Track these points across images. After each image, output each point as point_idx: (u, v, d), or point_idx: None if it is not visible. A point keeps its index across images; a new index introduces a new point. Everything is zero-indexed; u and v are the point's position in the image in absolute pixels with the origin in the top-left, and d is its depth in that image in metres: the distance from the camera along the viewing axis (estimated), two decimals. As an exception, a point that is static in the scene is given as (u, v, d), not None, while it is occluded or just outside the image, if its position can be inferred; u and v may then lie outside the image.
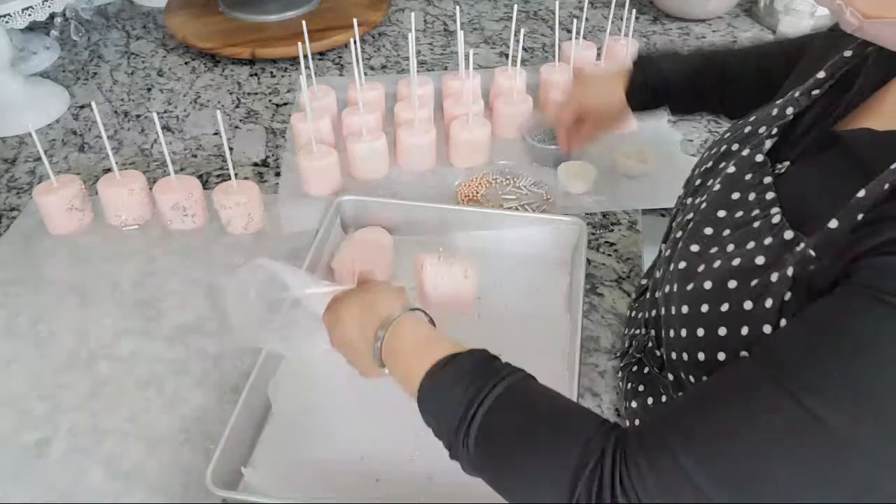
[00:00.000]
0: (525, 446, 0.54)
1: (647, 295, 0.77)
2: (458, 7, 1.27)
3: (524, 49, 1.46)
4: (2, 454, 0.80)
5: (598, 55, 1.32)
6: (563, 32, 1.51)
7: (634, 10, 1.32)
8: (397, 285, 0.73)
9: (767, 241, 0.56)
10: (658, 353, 0.71)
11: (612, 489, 0.49)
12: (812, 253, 0.51)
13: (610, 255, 1.01)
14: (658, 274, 0.68)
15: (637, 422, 0.75)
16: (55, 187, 1.03)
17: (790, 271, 0.52)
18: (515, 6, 1.27)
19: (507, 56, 1.39)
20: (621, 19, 1.32)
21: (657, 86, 0.93)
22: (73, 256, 1.03)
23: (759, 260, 0.55)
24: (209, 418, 0.82)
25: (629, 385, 0.78)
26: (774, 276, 0.53)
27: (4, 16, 1.19)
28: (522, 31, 1.18)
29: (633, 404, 0.75)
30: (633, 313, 0.83)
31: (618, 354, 0.82)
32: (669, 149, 1.18)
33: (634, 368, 0.77)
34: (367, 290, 0.70)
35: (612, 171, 1.14)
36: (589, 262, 0.99)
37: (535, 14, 1.60)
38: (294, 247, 1.03)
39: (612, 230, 1.05)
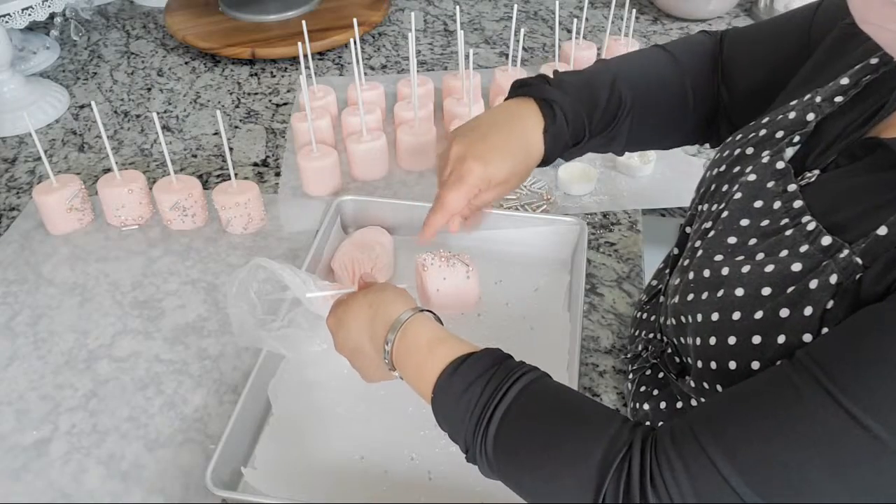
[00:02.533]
0: (546, 445, 0.53)
1: (661, 299, 0.75)
2: (458, 7, 1.27)
3: (524, 49, 1.45)
4: (2, 454, 0.80)
5: (599, 55, 1.32)
6: (563, 32, 1.51)
7: (634, 10, 1.33)
8: (399, 287, 0.72)
9: (804, 248, 0.54)
10: (678, 360, 0.68)
11: (642, 488, 0.48)
12: (859, 261, 0.50)
13: (610, 255, 1.01)
14: (676, 281, 0.66)
15: (648, 424, 0.74)
16: (55, 187, 1.03)
17: (833, 279, 0.51)
18: (515, 6, 1.27)
19: (507, 56, 1.38)
20: (621, 19, 1.32)
21: (575, 120, 0.76)
22: (73, 256, 1.03)
23: (796, 267, 0.53)
24: (209, 418, 0.82)
25: (641, 388, 0.76)
26: (814, 284, 0.52)
27: (4, 16, 1.18)
28: (522, 30, 1.18)
29: (646, 406, 0.74)
30: (644, 315, 0.81)
31: (628, 356, 0.81)
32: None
33: (648, 372, 0.76)
34: (371, 293, 0.69)
35: (612, 170, 1.14)
36: (589, 262, 0.99)
37: (535, 14, 1.60)
38: (294, 247, 1.03)
39: (612, 230, 1.04)
